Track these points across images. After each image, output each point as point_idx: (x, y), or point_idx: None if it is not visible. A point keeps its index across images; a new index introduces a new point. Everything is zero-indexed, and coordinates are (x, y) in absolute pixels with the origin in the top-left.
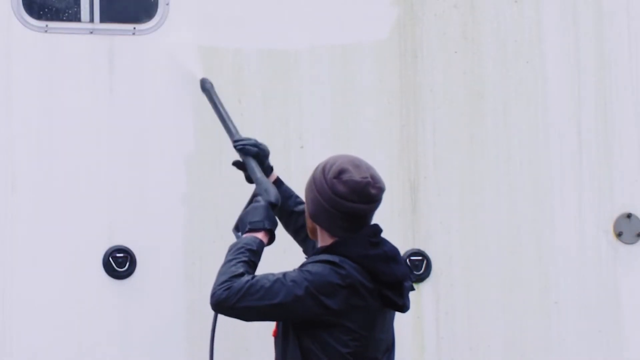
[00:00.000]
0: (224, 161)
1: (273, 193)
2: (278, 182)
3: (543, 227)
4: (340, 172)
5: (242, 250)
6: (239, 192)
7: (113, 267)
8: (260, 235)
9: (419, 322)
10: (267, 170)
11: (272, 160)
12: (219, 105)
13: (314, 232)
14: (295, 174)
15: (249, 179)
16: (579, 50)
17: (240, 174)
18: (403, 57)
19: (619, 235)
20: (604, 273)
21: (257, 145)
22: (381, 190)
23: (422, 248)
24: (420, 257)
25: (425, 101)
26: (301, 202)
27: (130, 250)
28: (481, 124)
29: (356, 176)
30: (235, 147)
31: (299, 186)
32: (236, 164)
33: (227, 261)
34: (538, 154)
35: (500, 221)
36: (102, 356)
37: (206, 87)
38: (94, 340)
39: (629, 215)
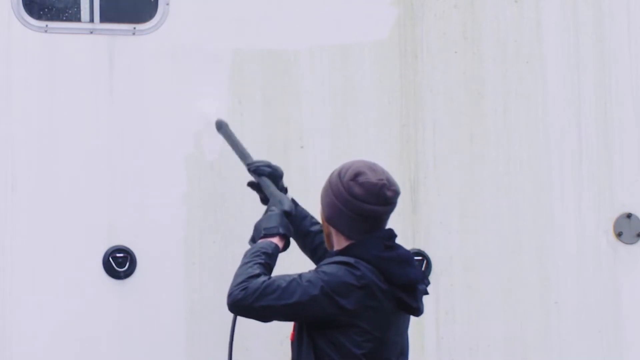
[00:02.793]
0: (224, 161)
1: (287, 203)
2: (293, 203)
3: (543, 227)
4: (357, 174)
5: (258, 253)
6: (239, 192)
7: (113, 267)
8: (275, 240)
9: (419, 322)
10: (282, 191)
11: (272, 160)
12: (234, 139)
13: (329, 237)
14: (295, 174)
15: (264, 200)
16: (579, 50)
17: (240, 174)
18: (403, 57)
19: (619, 235)
20: (604, 273)
21: (270, 165)
22: (396, 193)
23: (422, 248)
24: (420, 257)
25: (425, 101)
26: (317, 223)
27: (130, 250)
28: (481, 124)
29: (372, 178)
30: (248, 169)
31: (299, 186)
32: (250, 184)
33: (244, 264)
34: (538, 154)
35: (500, 221)
36: (102, 356)
37: (222, 126)
38: (93, 340)
39: (629, 215)
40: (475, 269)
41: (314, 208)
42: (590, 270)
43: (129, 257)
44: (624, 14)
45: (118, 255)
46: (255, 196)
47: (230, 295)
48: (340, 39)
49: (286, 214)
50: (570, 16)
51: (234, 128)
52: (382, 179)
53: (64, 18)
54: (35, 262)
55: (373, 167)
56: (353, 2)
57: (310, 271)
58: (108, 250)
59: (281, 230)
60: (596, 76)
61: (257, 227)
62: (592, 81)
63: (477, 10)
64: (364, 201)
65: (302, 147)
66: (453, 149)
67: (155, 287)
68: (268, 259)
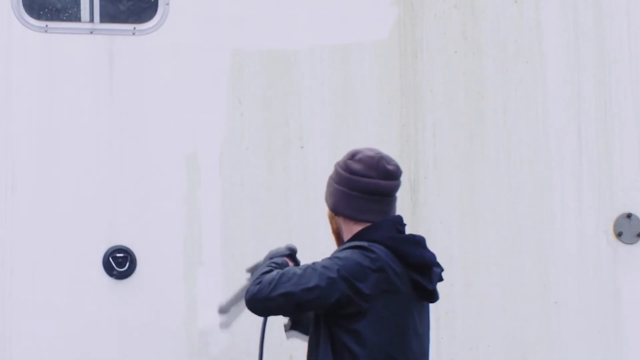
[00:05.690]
0: (224, 161)
1: (290, 245)
2: None
3: (543, 227)
4: (354, 154)
5: (269, 263)
6: (239, 192)
7: (113, 267)
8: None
9: None
10: None
11: (272, 160)
12: (237, 292)
13: (339, 233)
14: (295, 174)
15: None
16: (579, 50)
17: (239, 174)
18: (403, 57)
19: (619, 235)
20: (604, 273)
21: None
22: (397, 168)
23: None
24: None
25: (425, 101)
26: None
27: (130, 250)
28: (481, 124)
29: (369, 153)
30: (247, 271)
31: (299, 185)
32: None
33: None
34: (538, 154)
35: (500, 221)
36: (101, 356)
37: (224, 307)
38: (93, 340)
39: (629, 215)
40: (475, 269)
41: (313, 207)
42: (590, 270)
43: (129, 257)
44: (624, 14)
45: (118, 255)
46: (254, 196)
47: (247, 292)
48: (340, 39)
49: (290, 250)
50: (570, 16)
51: (234, 128)
52: (379, 153)
53: (64, 18)
54: (35, 262)
55: (370, 147)
56: (353, 2)
57: (323, 259)
58: (108, 250)
59: (287, 252)
60: (596, 76)
61: (263, 262)
62: (592, 81)
63: (477, 10)
64: (364, 175)
65: (302, 147)
66: (453, 149)
67: (155, 287)
68: (279, 267)
